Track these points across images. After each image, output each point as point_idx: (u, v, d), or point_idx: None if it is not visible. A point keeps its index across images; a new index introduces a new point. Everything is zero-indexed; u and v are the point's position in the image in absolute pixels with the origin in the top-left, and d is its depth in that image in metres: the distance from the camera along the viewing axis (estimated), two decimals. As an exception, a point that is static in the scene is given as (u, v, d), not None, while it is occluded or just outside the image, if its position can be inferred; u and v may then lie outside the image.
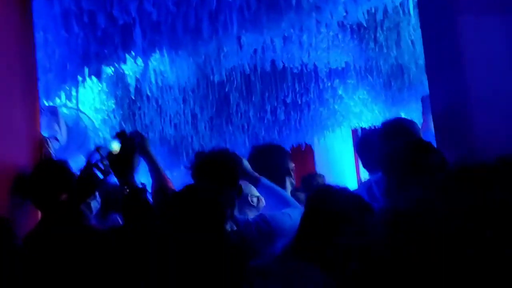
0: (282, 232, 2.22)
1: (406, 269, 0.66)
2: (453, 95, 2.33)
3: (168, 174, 2.44)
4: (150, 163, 2.38)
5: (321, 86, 5.03)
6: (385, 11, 3.74)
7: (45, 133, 2.75)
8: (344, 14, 3.47)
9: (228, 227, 2.08)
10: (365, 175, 3.78)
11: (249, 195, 2.52)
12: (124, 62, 3.41)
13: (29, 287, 1.91)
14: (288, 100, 5.12)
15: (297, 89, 4.98)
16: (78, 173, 2.24)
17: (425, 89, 3.82)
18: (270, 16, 3.14)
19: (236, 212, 2.33)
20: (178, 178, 3.66)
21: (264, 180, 2.51)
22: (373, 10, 3.67)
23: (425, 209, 0.71)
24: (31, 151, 2.48)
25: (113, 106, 4.55)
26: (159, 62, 4.06)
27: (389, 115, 5.20)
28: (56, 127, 3.03)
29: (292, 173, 2.85)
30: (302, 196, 3.25)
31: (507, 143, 2.01)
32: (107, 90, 4.40)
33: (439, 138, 2.40)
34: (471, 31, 2.26)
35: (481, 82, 2.23)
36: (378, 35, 4.15)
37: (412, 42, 4.19)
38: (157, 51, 3.35)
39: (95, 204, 2.35)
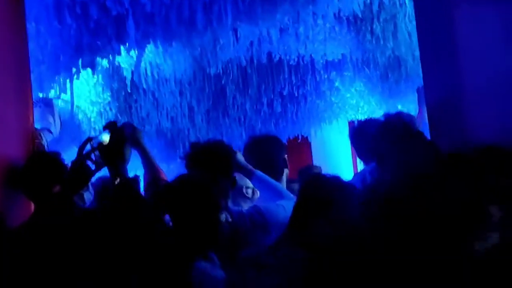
0: (276, 223, 2.22)
1: (386, 252, 0.65)
2: (447, 87, 2.32)
3: (165, 166, 2.44)
4: (143, 154, 2.37)
5: (317, 78, 5.00)
6: (381, 3, 3.72)
7: (38, 125, 2.73)
8: (340, 6, 3.45)
9: (222, 218, 2.08)
10: (362, 166, 3.78)
11: (244, 186, 2.52)
12: (119, 54, 3.40)
13: (22, 279, 1.90)
14: (285, 93, 5.10)
15: (294, 81, 4.95)
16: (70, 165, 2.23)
17: (422, 81, 3.81)
18: (264, 7, 3.12)
19: (230, 204, 2.32)
20: (174, 170, 3.65)
21: (259, 173, 2.50)
22: (369, 1, 3.65)
23: (411, 194, 0.71)
24: (23, 143, 2.46)
25: (109, 98, 4.54)
26: (155, 54, 4.04)
27: (386, 107, 5.21)
28: (51, 119, 3.01)
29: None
30: (296, 187, 3.24)
31: (500, 135, 2.00)
32: (102, 83, 4.38)
33: (432, 128, 2.39)
34: (466, 23, 2.25)
35: (476, 73, 2.22)
36: (374, 27, 4.13)
37: (409, 33, 4.16)
38: (151, 43, 3.33)
39: (88, 196, 2.35)
